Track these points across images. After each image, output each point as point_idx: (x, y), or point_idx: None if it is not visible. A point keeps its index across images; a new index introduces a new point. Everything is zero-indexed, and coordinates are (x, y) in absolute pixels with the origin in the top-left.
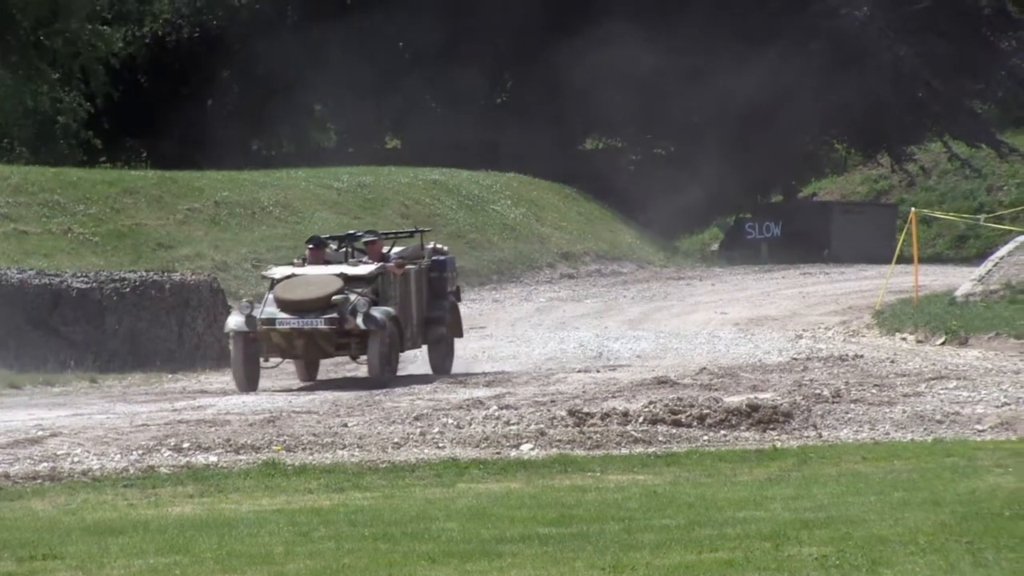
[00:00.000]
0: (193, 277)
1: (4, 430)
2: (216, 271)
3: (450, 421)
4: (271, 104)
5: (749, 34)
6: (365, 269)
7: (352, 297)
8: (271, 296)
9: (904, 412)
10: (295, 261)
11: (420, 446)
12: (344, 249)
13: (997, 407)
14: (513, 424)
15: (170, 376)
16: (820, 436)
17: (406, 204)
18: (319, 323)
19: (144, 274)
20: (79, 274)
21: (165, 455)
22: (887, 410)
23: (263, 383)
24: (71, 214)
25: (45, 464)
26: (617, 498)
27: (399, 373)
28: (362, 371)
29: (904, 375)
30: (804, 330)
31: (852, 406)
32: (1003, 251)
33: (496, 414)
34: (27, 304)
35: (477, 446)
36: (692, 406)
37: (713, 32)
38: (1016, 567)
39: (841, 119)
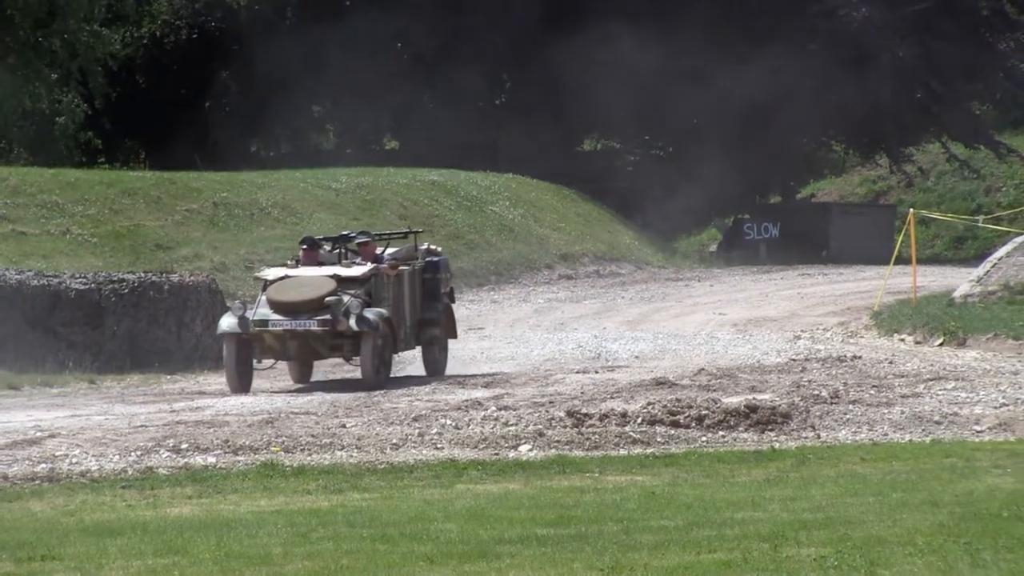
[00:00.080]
0: (192, 278)
1: (3, 431)
2: (215, 272)
3: (448, 422)
4: (270, 105)
5: (748, 35)
6: (358, 270)
7: (345, 298)
8: (264, 297)
9: (902, 413)
10: (288, 262)
11: (418, 447)
12: (337, 250)
13: (995, 408)
14: (511, 425)
15: (168, 377)
16: (818, 437)
17: (404, 205)
18: (312, 325)
19: (143, 275)
20: (78, 275)
21: (163, 456)
22: (885, 411)
23: (262, 384)
24: (69, 215)
25: (44, 465)
26: (615, 499)
27: (397, 374)
28: (359, 372)
29: (902, 376)
30: (802, 331)
31: (850, 407)
32: (1001, 252)
33: (495, 415)
34: (26, 305)
35: (475, 447)
36: (690, 407)
37: (712, 33)
38: (1014, 568)
39: (840, 120)
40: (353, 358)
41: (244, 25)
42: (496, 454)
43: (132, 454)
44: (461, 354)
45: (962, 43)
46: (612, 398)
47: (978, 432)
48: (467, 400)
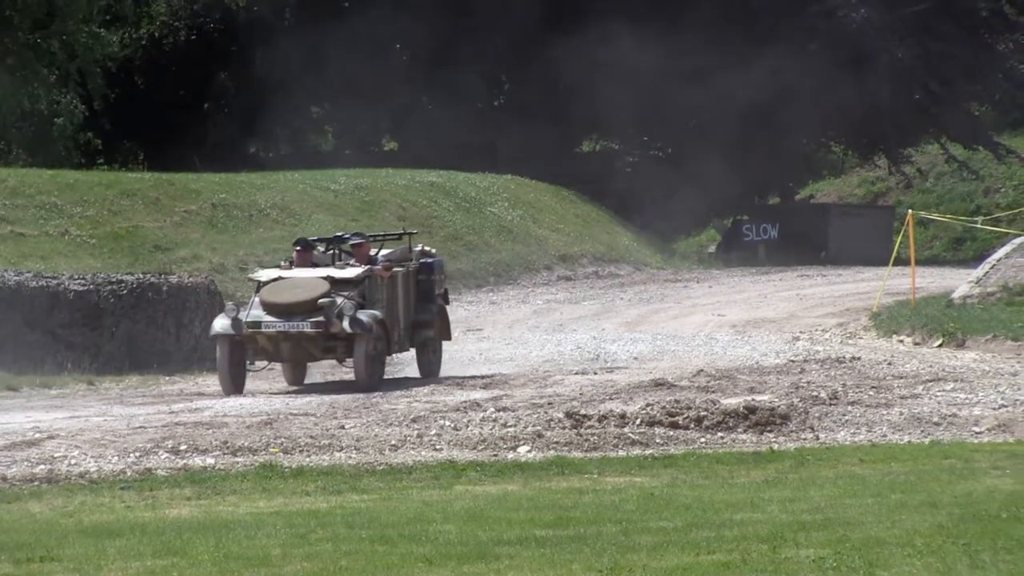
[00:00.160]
0: (190, 279)
1: (1, 432)
2: (213, 273)
3: (447, 423)
4: (268, 106)
5: (748, 35)
6: (352, 272)
7: (338, 300)
8: (257, 299)
9: (901, 414)
10: (282, 264)
11: (417, 448)
12: (331, 252)
13: (994, 409)
14: (510, 426)
15: (167, 378)
16: (817, 438)
17: (403, 206)
18: (305, 326)
19: (141, 276)
20: (76, 276)
21: (162, 457)
22: (884, 412)
23: (261, 385)
24: (68, 216)
25: (42, 466)
26: (614, 500)
27: (395, 376)
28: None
29: (901, 377)
30: (801, 332)
31: (849, 408)
32: (1000, 253)
33: (493, 416)
34: (24, 306)
35: (474, 448)
36: (689, 408)
37: (711, 33)
38: (1013, 569)
39: (839, 120)
40: (346, 360)
41: (243, 26)
42: (495, 455)
43: (131, 455)
44: (460, 355)
45: (961, 44)
46: (611, 399)
47: (977, 433)
48: (466, 401)
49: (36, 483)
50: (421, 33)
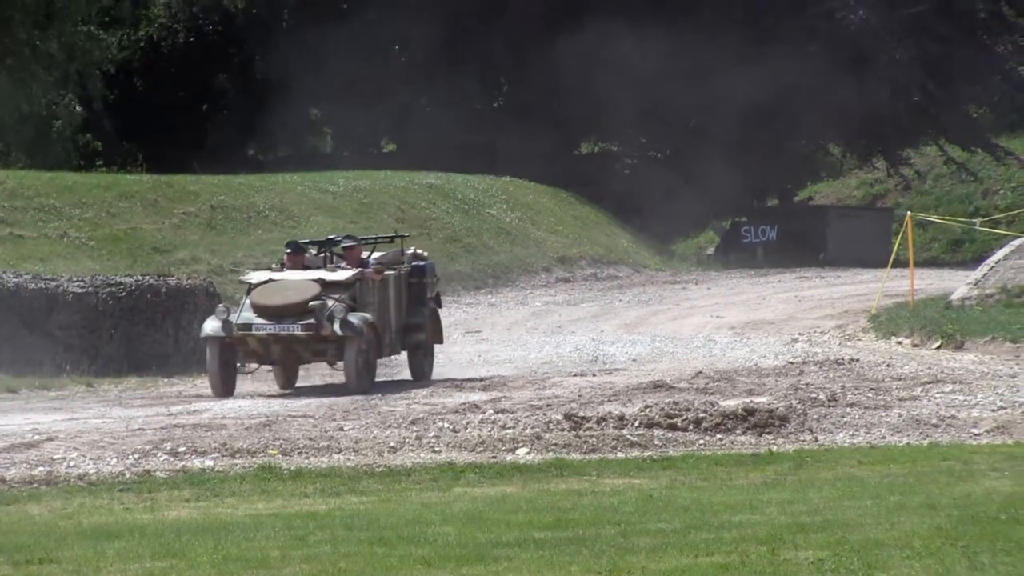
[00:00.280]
0: (189, 281)
1: (0, 434)
2: (212, 275)
3: (446, 425)
4: (267, 108)
5: (747, 36)
6: (343, 275)
7: (329, 303)
8: (248, 301)
9: (900, 416)
10: (273, 266)
11: (416, 450)
12: (323, 254)
13: (993, 411)
14: (509, 428)
15: (166, 380)
16: (816, 440)
17: (402, 208)
18: (296, 329)
19: (140, 278)
20: (75, 278)
21: (161, 459)
22: (883, 414)
23: (260, 387)
24: (67, 218)
25: (41, 468)
26: (613, 502)
27: (393, 378)
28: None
29: (900, 379)
30: (800, 334)
31: (848, 410)
32: (999, 255)
33: (492, 418)
34: (23, 308)
35: (473, 450)
36: (688, 410)
37: (711, 34)
38: (1012, 571)
39: (838, 122)
40: (337, 363)
41: (241, 28)
42: (494, 457)
43: (129, 457)
44: (458, 357)
45: (960, 46)
46: (609, 401)
47: (976, 435)
48: (464, 403)
49: (35, 485)
50: (420, 34)
